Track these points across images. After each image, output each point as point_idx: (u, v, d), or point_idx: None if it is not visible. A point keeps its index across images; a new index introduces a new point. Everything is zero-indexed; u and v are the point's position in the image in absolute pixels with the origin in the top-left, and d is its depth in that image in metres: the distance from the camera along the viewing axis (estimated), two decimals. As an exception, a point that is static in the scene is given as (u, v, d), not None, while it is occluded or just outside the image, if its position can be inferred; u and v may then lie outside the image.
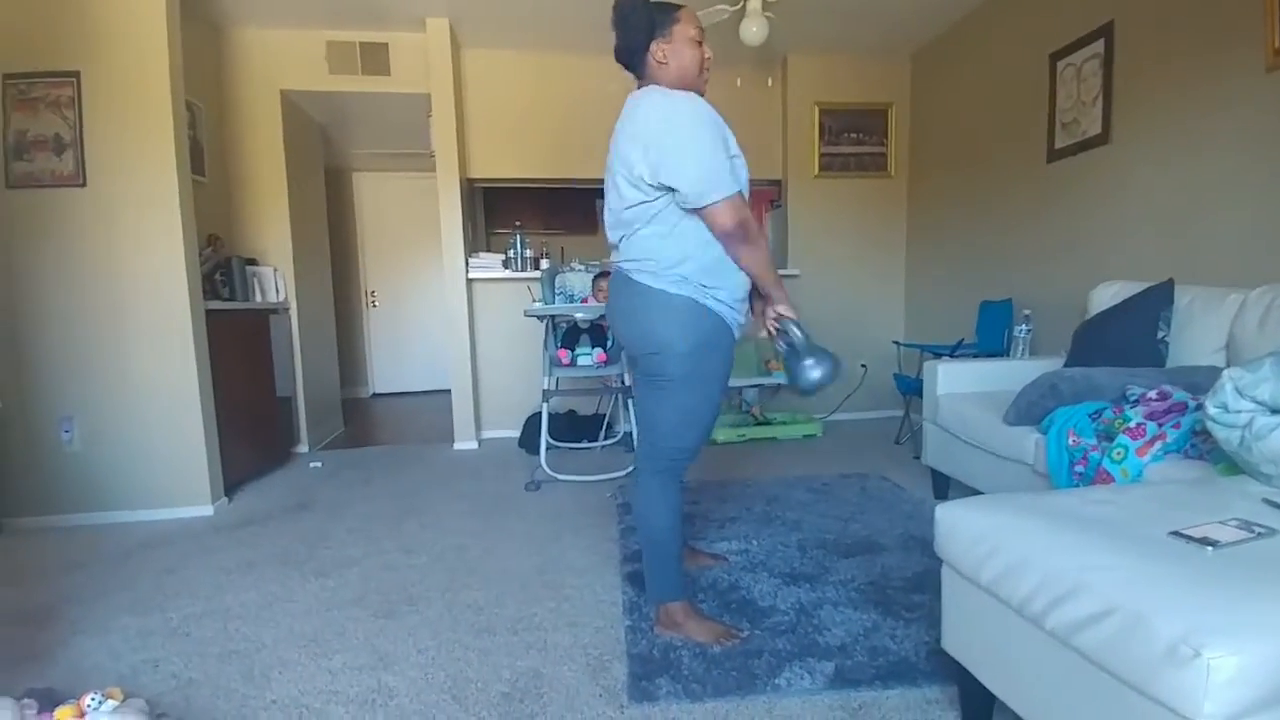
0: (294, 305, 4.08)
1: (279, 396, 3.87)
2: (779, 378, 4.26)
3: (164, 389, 2.88)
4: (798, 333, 1.73)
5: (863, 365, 4.65)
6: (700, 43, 1.72)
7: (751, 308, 1.84)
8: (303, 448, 4.16)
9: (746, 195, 1.70)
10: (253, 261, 3.83)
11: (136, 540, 2.64)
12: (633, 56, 1.72)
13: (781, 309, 1.75)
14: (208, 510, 2.95)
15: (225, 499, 3.07)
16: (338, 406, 4.93)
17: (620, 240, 1.75)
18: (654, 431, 1.77)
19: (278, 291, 3.95)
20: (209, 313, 3.03)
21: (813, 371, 1.71)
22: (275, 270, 3.95)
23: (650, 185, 1.61)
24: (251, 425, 3.46)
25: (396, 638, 1.84)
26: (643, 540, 1.85)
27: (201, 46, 3.66)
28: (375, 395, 6.61)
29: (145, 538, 2.67)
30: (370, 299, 6.57)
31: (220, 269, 3.45)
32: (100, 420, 2.86)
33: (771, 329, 1.80)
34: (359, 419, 5.38)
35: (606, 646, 1.76)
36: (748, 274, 1.69)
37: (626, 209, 1.68)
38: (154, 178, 2.81)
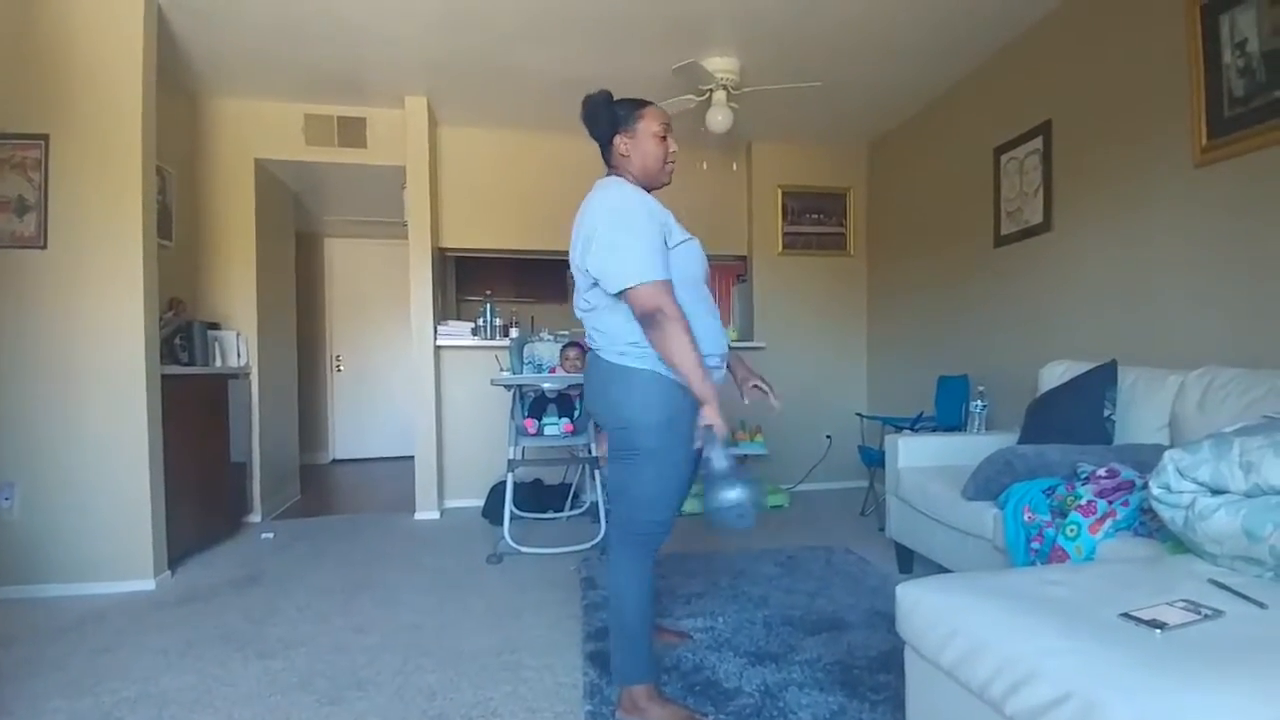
0: (255, 370, 4.01)
1: (233, 463, 3.75)
2: (746, 448, 4.29)
3: (113, 456, 2.78)
4: (719, 456, 1.45)
5: (828, 436, 4.72)
6: (664, 137, 1.80)
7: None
8: (255, 517, 4.01)
9: (702, 277, 1.78)
10: (215, 325, 3.78)
11: (73, 616, 2.50)
12: (601, 148, 1.83)
13: (707, 413, 1.56)
14: (149, 585, 2.80)
15: (168, 572, 2.93)
16: (295, 473, 4.80)
17: (585, 318, 1.80)
18: (627, 505, 1.76)
19: (239, 356, 3.88)
20: (165, 378, 2.96)
21: (725, 504, 1.46)
22: (238, 334, 3.90)
23: (587, 272, 1.69)
24: (201, 494, 3.33)
25: (343, 726, 1.75)
26: (611, 618, 1.80)
27: (176, 114, 3.70)
28: (335, 461, 6.45)
29: (83, 613, 2.52)
30: (335, 363, 6.49)
31: (180, 333, 3.40)
32: (43, 487, 2.73)
33: (700, 437, 1.60)
34: (317, 486, 5.22)
35: (565, 734, 1.69)
36: (667, 363, 1.61)
37: (582, 293, 1.76)
38: (118, 243, 2.78)
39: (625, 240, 1.62)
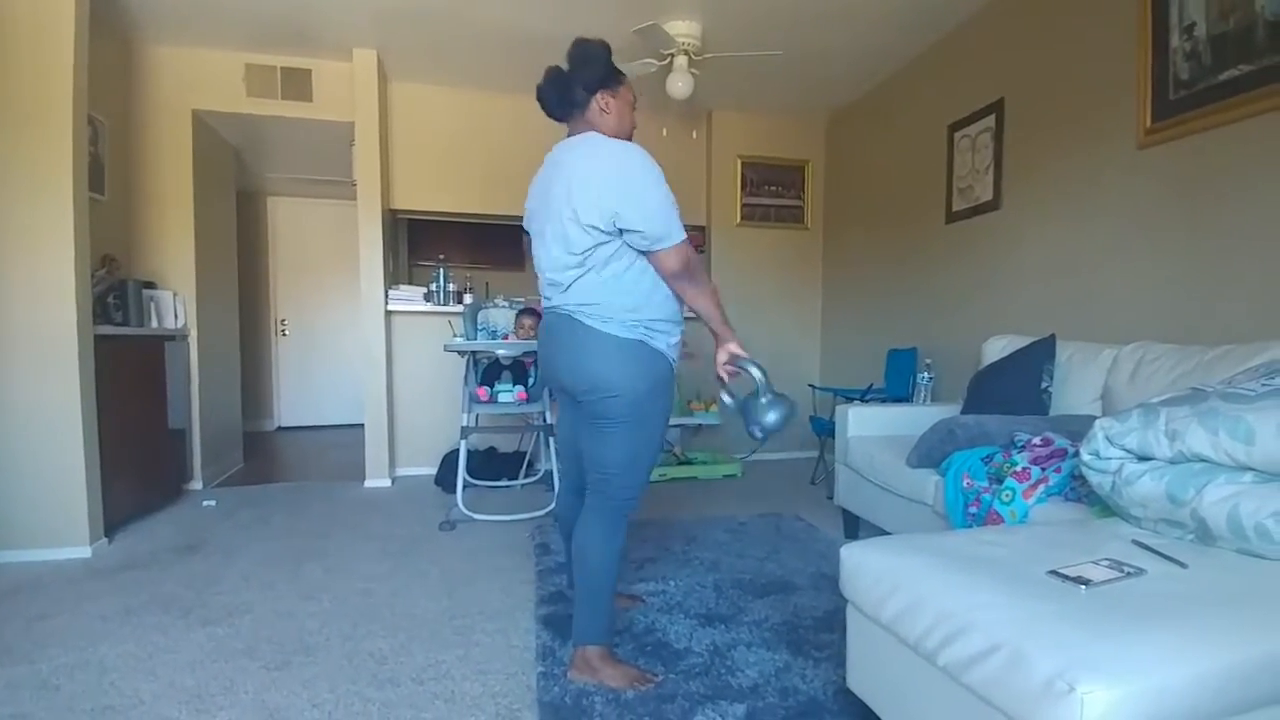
0: (194, 331, 3.86)
1: (171, 429, 3.61)
2: (701, 418, 4.33)
3: (43, 419, 2.65)
4: (757, 373, 1.71)
5: (780, 407, 4.79)
6: (633, 109, 1.85)
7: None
8: (196, 484, 3.89)
9: None
10: (151, 284, 3.61)
11: (7, 584, 2.40)
12: (570, 94, 1.76)
13: (733, 348, 1.79)
14: (85, 552, 2.70)
15: (105, 540, 2.82)
16: (238, 440, 4.66)
17: (569, 283, 1.70)
18: (603, 472, 1.77)
19: (177, 317, 3.72)
20: (98, 338, 2.82)
21: (769, 413, 1.71)
22: (175, 294, 3.73)
23: (603, 230, 1.63)
24: (138, 459, 3.21)
25: (290, 691, 1.72)
26: (579, 578, 1.81)
27: (110, 61, 3.48)
28: (281, 428, 6.28)
29: (15, 581, 2.43)
30: (280, 327, 6.29)
31: (114, 291, 3.23)
32: (-36, 452, 2.59)
33: (724, 374, 1.81)
34: (261, 453, 5.09)
35: (517, 695, 1.71)
36: (696, 313, 1.76)
37: (574, 254, 1.67)
38: (47, 195, 2.62)
39: (658, 198, 1.65)
